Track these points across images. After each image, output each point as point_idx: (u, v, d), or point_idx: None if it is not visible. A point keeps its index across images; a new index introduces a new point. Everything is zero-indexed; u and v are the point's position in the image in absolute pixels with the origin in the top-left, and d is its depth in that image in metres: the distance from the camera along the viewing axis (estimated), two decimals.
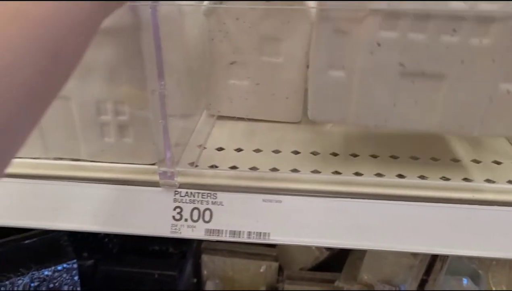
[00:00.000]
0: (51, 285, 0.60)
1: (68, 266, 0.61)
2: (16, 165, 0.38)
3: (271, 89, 0.44)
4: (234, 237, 0.36)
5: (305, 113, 0.45)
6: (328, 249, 0.73)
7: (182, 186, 0.36)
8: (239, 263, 0.73)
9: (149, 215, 0.37)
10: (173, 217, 0.37)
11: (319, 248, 0.73)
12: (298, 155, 0.40)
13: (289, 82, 0.43)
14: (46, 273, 0.59)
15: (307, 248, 0.74)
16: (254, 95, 0.45)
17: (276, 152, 0.41)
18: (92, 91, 0.35)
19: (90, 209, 0.38)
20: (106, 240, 0.74)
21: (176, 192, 0.37)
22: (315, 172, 0.38)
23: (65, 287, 0.61)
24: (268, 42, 0.42)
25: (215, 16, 0.42)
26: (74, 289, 0.62)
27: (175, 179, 0.36)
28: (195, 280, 0.75)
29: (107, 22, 0.32)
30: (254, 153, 0.41)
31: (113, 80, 0.35)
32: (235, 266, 0.74)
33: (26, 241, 0.63)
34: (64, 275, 0.61)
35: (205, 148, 0.41)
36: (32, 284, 0.58)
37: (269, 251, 0.74)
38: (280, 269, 0.73)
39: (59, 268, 0.60)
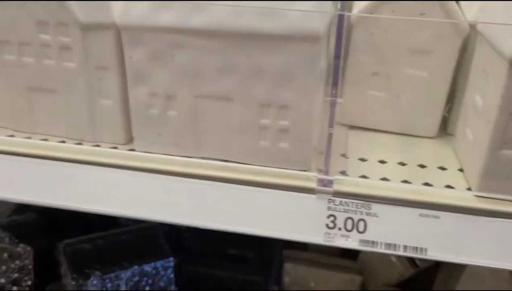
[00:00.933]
0: (150, 281, 0.60)
1: (165, 263, 0.61)
2: (166, 162, 0.39)
3: (411, 103, 0.44)
4: (389, 249, 0.36)
5: (440, 128, 0.44)
6: (414, 265, 0.71)
7: (336, 194, 0.36)
8: (321, 274, 0.73)
9: (302, 221, 0.37)
10: (327, 225, 0.36)
11: (404, 264, 0.72)
12: (445, 171, 0.40)
13: (431, 96, 0.43)
14: (146, 268, 0.60)
15: (390, 263, 0.73)
16: (392, 107, 0.44)
17: (421, 166, 0.40)
18: (258, 94, 0.36)
19: (240, 210, 0.38)
20: (187, 239, 0.74)
21: (330, 200, 0.36)
22: (470, 189, 0.37)
23: (161, 284, 0.62)
24: (415, 55, 0.42)
25: (363, 27, 0.42)
26: (169, 286, 0.62)
27: (332, 187, 0.36)
28: (276, 287, 0.74)
29: (286, 29, 0.32)
30: (399, 165, 0.40)
31: (281, 85, 0.35)
32: (317, 277, 0.73)
33: (125, 236, 0.64)
34: (162, 272, 0.61)
35: (347, 157, 0.41)
36: (133, 279, 0.59)
37: (352, 264, 0.74)
38: (362, 284, 0.72)
39: (158, 264, 0.61)
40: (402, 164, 0.40)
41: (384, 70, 0.43)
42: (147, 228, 0.65)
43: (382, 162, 0.41)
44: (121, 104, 0.40)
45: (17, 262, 0.58)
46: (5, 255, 0.57)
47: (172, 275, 0.62)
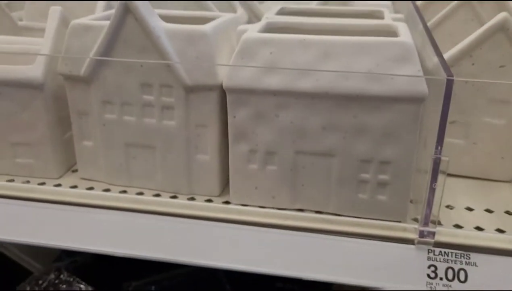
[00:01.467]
0: None
1: None
2: (263, 214, 0.40)
3: (488, 149, 0.45)
4: None
5: None
6: None
7: (436, 245, 0.38)
8: None
9: (403, 271, 0.38)
10: (428, 275, 0.38)
11: None
12: None
13: (508, 142, 0.45)
14: None
15: None
16: (469, 153, 0.46)
17: (508, 213, 0.42)
18: (360, 150, 0.37)
19: (338, 261, 0.39)
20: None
21: (430, 250, 0.38)
22: None
23: None
24: (493, 104, 0.44)
25: None
26: None
27: (434, 238, 0.37)
28: None
29: (393, 91, 0.34)
30: (486, 212, 0.42)
31: (383, 142, 0.37)
32: None
33: (189, 277, 0.65)
34: None
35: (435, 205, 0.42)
36: None
37: None
38: None
39: None
40: (489, 211, 0.42)
41: (462, 118, 0.45)
42: (210, 269, 0.66)
43: (469, 209, 0.42)
44: (218, 158, 0.42)
45: None
46: None
47: None
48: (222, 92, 0.39)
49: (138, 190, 0.45)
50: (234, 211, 0.41)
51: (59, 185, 0.46)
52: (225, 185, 0.44)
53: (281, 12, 0.50)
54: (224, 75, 0.38)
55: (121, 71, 0.40)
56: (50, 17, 0.44)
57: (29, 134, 0.44)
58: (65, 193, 0.44)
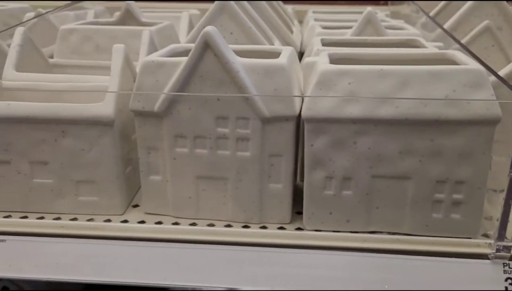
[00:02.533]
0: None
1: None
2: (339, 239, 0.41)
3: None
4: None
5: None
6: None
7: (511, 258, 0.40)
8: None
9: (480, 286, 0.40)
10: (506, 288, 0.40)
11: None
12: None
13: None
14: None
15: None
16: None
17: None
18: (435, 172, 0.39)
19: (417, 280, 0.40)
20: None
21: (505, 264, 0.40)
22: None
23: None
24: None
25: None
26: None
27: (510, 252, 0.39)
28: None
29: (470, 115, 0.36)
30: None
31: (459, 163, 0.39)
32: None
33: None
34: None
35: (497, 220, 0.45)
36: None
37: None
38: None
39: None
40: None
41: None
42: None
43: None
44: (290, 186, 0.43)
45: None
46: None
47: None
48: (297, 122, 0.41)
49: (207, 222, 0.45)
50: (307, 236, 0.42)
51: (125, 221, 0.45)
52: (293, 212, 0.45)
53: (324, 43, 0.53)
54: (301, 106, 0.40)
55: (196, 105, 0.41)
56: (114, 54, 0.45)
57: (94, 171, 0.44)
58: (135, 228, 0.44)
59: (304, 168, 0.43)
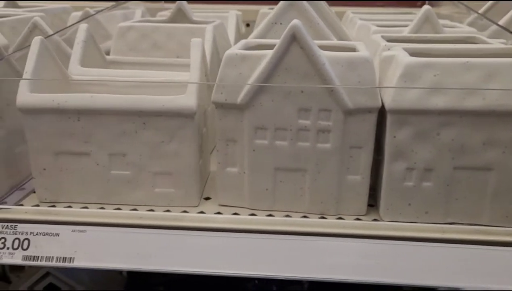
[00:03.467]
0: None
1: None
2: (417, 230, 0.42)
3: None
4: None
5: None
6: None
7: None
8: None
9: None
10: None
11: None
12: None
13: None
14: None
15: None
16: None
17: None
18: None
19: (499, 270, 0.41)
20: None
21: None
22: None
23: None
24: None
25: None
26: None
27: None
28: None
29: None
30: None
31: None
32: None
33: None
34: None
35: None
36: None
37: None
38: None
39: None
40: None
41: None
42: None
43: None
44: (368, 178, 0.44)
45: None
46: None
47: None
48: (381, 113, 0.41)
49: (283, 214, 0.45)
50: (390, 227, 0.43)
51: (202, 212, 0.46)
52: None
53: (388, 40, 0.53)
54: (385, 98, 0.40)
55: (279, 97, 0.42)
56: (193, 48, 0.45)
57: (172, 163, 0.45)
58: (213, 219, 0.44)
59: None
